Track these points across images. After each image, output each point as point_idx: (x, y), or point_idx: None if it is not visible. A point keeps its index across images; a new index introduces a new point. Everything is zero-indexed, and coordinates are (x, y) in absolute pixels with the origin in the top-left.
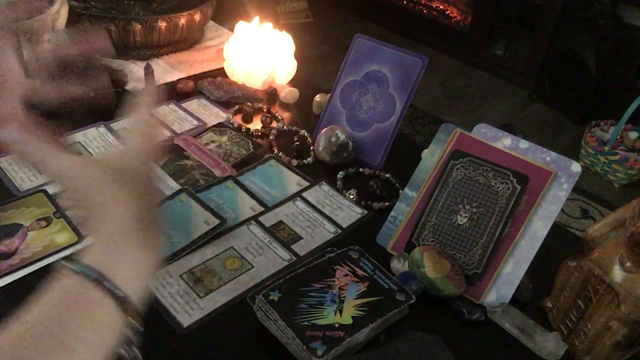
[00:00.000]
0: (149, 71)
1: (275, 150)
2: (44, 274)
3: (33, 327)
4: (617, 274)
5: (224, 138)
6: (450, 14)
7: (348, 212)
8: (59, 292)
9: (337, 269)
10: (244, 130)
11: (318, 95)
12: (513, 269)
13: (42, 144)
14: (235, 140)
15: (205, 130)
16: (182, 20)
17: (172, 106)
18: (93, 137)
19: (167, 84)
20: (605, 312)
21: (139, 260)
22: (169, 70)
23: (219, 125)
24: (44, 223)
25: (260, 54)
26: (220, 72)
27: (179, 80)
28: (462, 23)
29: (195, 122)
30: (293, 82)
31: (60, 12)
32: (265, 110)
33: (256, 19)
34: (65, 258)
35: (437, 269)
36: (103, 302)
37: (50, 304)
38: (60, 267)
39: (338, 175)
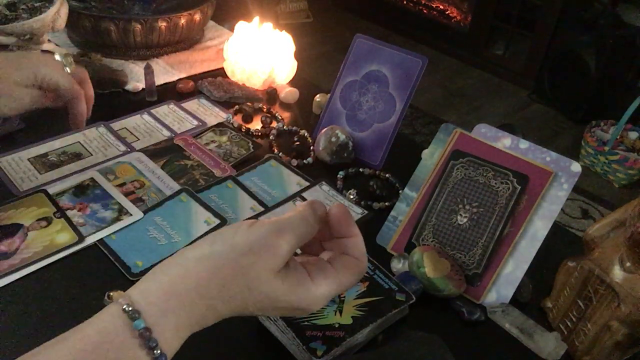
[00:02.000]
0: (149, 71)
1: (275, 150)
2: (44, 274)
3: None
4: (617, 274)
5: (224, 138)
6: (450, 14)
7: None
8: (97, 328)
9: None
10: (244, 130)
11: (318, 95)
12: (513, 269)
13: None
14: (235, 140)
15: (205, 130)
16: (182, 20)
17: (172, 106)
18: (93, 137)
19: (167, 83)
20: (605, 312)
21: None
22: (169, 70)
23: (219, 125)
24: (44, 223)
25: (260, 54)
26: (220, 72)
27: (179, 80)
28: (462, 23)
29: (195, 122)
30: (293, 82)
31: (60, 12)
32: (265, 110)
33: (256, 19)
34: (127, 288)
35: (437, 269)
36: (139, 355)
37: (84, 339)
38: (115, 295)
39: (338, 175)
